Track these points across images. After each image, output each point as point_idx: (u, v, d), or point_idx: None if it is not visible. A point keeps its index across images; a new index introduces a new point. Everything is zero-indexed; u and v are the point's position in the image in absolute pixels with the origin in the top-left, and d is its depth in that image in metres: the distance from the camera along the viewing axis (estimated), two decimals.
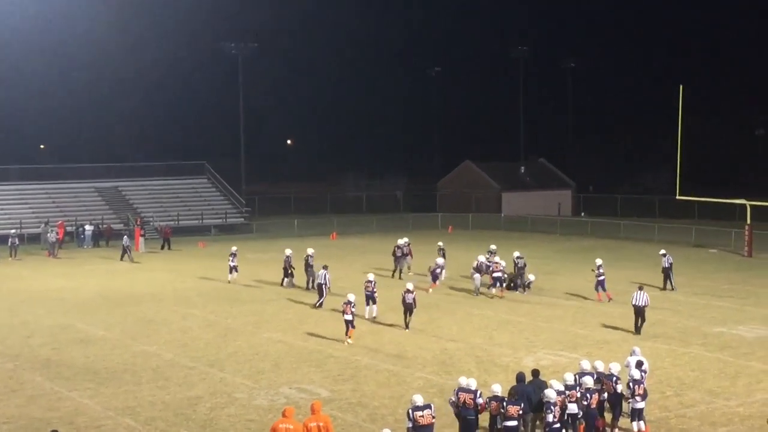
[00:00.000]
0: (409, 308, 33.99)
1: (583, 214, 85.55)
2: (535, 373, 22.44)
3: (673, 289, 42.54)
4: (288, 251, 45.71)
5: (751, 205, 56.69)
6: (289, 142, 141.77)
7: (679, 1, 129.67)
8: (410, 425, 19.57)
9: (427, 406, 19.85)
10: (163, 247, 60.70)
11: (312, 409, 19.19)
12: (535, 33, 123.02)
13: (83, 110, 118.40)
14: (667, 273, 43.30)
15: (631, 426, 21.73)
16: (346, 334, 31.90)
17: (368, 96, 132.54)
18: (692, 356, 29.90)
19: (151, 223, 69.11)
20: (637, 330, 33.49)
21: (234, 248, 47.57)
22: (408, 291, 34.07)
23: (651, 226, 66.97)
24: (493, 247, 46.14)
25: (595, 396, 21.28)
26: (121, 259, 54.84)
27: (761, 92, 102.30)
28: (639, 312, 33.56)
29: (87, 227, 63.59)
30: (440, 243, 48.89)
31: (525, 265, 43.62)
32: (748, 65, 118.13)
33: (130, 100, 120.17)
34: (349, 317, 31.80)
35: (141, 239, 61.62)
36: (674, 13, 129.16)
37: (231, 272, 46.07)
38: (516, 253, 44.37)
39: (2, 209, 68.03)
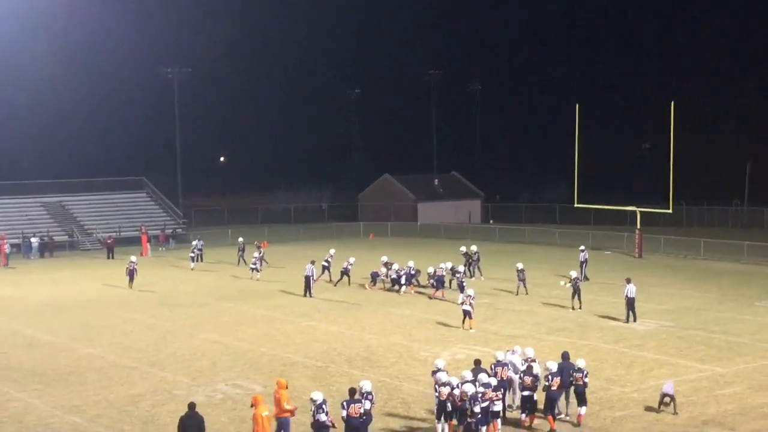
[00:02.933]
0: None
1: (491, 221, 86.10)
2: (477, 362, 22.64)
3: (587, 279, 44.52)
4: (240, 239, 54.89)
5: (640, 212, 57.71)
6: (222, 158, 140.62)
7: (572, 26, 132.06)
8: (344, 414, 19.67)
9: (359, 401, 19.94)
10: (108, 258, 59.59)
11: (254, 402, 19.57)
12: (446, 58, 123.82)
13: (27, 129, 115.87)
14: (581, 266, 45.31)
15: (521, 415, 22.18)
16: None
17: (295, 115, 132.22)
18: (591, 348, 30.30)
19: (94, 235, 67.98)
20: (627, 319, 34.40)
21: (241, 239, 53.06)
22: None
23: (553, 231, 67.78)
24: (384, 258, 45.64)
25: (556, 380, 21.83)
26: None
27: (647, 109, 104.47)
28: (630, 303, 34.43)
29: (33, 239, 62.31)
30: (384, 257, 45.90)
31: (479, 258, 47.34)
32: (634, 85, 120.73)
33: (73, 119, 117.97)
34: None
35: (148, 245, 61.57)
36: (569, 39, 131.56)
37: (254, 271, 48.16)
38: (473, 247, 48.02)
39: None
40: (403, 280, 42.40)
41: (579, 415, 22.09)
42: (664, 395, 22.88)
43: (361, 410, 19.72)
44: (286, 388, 20.59)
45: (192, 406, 19.49)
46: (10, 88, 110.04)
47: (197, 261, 54.16)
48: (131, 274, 45.10)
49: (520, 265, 41.90)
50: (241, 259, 53.79)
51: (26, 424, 22.78)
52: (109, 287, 46.24)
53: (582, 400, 22.17)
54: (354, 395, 19.99)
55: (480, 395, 20.44)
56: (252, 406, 19.34)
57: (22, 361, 29.59)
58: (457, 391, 20.74)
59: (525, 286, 41.49)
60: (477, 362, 22.76)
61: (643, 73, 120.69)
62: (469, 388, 20.37)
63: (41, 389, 26.00)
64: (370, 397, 20.22)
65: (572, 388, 22.27)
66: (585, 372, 22.33)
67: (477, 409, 19.95)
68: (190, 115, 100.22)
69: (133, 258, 46.60)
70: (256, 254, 49.60)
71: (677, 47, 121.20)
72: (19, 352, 30.96)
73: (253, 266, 48.44)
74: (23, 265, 57.89)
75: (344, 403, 19.73)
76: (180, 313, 38.26)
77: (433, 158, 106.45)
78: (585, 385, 22.24)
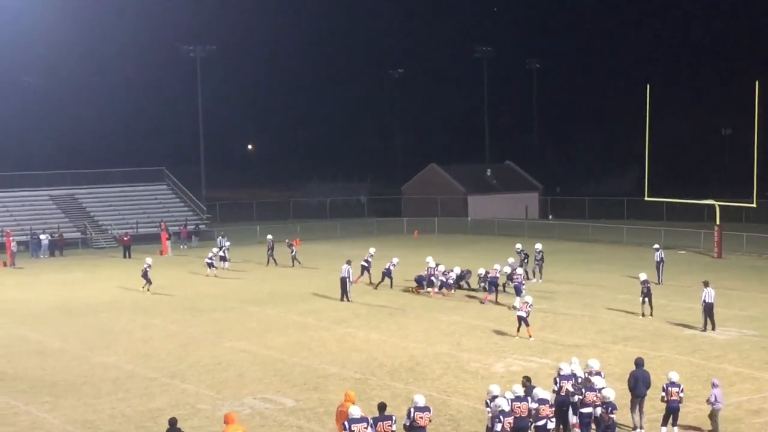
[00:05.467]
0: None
1: (550, 216, 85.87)
2: (527, 379, 22.55)
3: (658, 283, 44.24)
4: (269, 236, 54.92)
5: (720, 206, 57.08)
6: (249, 147, 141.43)
7: (645, 1, 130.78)
8: (408, 423, 19.75)
9: (427, 409, 20.05)
10: (124, 256, 60.26)
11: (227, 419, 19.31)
12: (499, 33, 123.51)
13: (36, 116, 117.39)
14: (657, 267, 45.46)
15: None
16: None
17: (330, 99, 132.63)
18: (663, 359, 30.01)
19: (109, 232, 68.72)
20: (705, 327, 34.13)
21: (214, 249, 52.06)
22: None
23: (619, 228, 67.30)
24: (429, 259, 45.15)
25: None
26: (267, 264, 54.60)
27: (727, 90, 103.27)
28: (708, 309, 34.10)
29: (42, 236, 63.04)
30: (429, 258, 45.86)
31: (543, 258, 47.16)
32: (713, 64, 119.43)
33: (86, 105, 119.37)
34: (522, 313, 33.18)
35: (168, 243, 62.23)
36: (640, 13, 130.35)
37: (210, 267, 49.98)
38: (538, 246, 47.49)
39: None
40: (451, 281, 42.60)
41: None
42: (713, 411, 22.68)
43: (392, 428, 19.68)
44: (354, 402, 20.56)
45: (173, 422, 19.42)
46: (17, 71, 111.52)
47: (224, 262, 52.95)
48: (146, 275, 45.00)
49: (538, 246, 45.39)
50: (270, 258, 54.15)
51: None
52: (126, 289, 46.67)
53: (676, 419, 22.27)
54: (383, 411, 19.96)
55: (534, 412, 20.49)
56: (225, 423, 19.30)
57: (31, 371, 29.90)
58: (502, 402, 20.64)
59: (540, 272, 45.92)
60: (526, 380, 22.59)
61: (722, 49, 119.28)
62: (502, 402, 20.35)
63: (52, 401, 26.27)
64: (407, 415, 20.09)
65: (665, 405, 22.36)
66: (681, 387, 22.43)
67: (498, 428, 19.91)
68: (214, 99, 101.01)
69: (149, 260, 46.25)
70: (215, 249, 51.73)
71: (761, 17, 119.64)
72: (27, 361, 31.29)
73: (209, 261, 50.35)
74: (32, 264, 58.63)
75: (372, 421, 19.70)
76: (203, 319, 38.51)
77: (485, 146, 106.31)
78: (680, 401, 22.34)
